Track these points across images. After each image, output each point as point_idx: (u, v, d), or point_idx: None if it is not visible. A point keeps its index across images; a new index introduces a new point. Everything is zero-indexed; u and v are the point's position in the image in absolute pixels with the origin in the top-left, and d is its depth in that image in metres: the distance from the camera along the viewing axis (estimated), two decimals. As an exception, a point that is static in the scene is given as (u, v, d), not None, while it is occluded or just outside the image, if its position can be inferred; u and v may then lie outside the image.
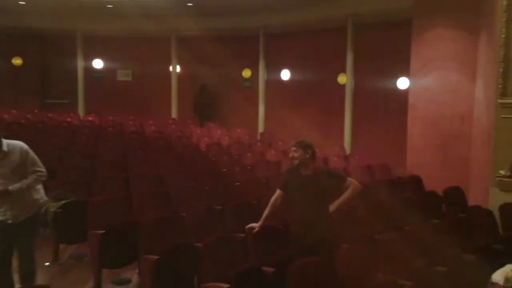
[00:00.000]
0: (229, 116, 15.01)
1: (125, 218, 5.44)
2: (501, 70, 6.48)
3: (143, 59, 15.19)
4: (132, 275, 5.19)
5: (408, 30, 8.79)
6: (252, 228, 4.47)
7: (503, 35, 6.43)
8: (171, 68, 14.32)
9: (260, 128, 13.07)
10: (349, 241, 4.49)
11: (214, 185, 6.86)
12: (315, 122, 12.88)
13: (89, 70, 15.27)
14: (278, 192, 4.50)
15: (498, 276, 3.11)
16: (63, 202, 5.56)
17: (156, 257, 4.17)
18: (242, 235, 4.66)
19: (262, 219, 4.47)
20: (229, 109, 15.21)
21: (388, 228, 5.26)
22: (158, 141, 10.69)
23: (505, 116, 6.47)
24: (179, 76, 14.45)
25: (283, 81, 13.67)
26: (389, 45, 10.84)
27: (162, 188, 6.69)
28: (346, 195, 4.36)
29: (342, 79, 11.86)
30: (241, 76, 14.49)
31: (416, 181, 7.69)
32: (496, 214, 5.90)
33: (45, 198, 4.53)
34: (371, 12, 10.62)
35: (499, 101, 6.52)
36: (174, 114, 14.20)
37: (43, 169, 4.30)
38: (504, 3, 6.40)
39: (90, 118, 13.63)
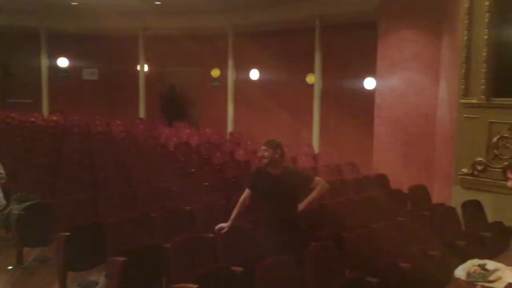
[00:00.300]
0: (198, 116, 14.95)
1: (91, 220, 5.34)
2: (463, 71, 6.68)
3: (110, 57, 14.95)
4: (99, 277, 5.10)
5: (374, 32, 8.95)
6: (221, 229, 4.47)
7: (465, 38, 6.63)
8: (138, 67, 14.14)
9: (230, 127, 13.06)
10: (318, 240, 4.54)
11: (183, 185, 6.81)
12: (284, 121, 13.00)
13: (54, 68, 14.90)
14: (247, 191, 4.51)
15: (460, 271, 3.21)
16: (26, 204, 5.42)
17: (124, 258, 4.11)
18: (211, 235, 4.65)
19: (231, 219, 4.47)
20: (198, 108, 15.15)
21: (355, 226, 5.34)
22: (125, 141, 10.53)
23: (467, 116, 6.67)
24: (147, 75, 14.28)
25: (252, 81, 13.71)
26: (356, 46, 11.03)
27: (130, 188, 6.60)
28: (314, 194, 4.40)
29: (310, 79, 11.98)
30: (210, 75, 14.44)
31: (382, 180, 7.82)
32: (459, 211, 6.06)
33: (3, 201, 4.40)
34: (338, 14, 10.77)
35: (461, 101, 6.72)
36: (142, 114, 14.02)
37: (2, 171, 4.18)
38: (466, 6, 6.60)
39: (55, 118, 13.31)
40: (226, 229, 4.46)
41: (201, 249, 4.47)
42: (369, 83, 10.78)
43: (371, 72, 9.83)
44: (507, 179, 3.46)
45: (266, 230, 4.42)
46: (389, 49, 8.73)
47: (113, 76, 15.09)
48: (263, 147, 4.38)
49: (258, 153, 4.61)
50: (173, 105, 15.04)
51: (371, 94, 9.58)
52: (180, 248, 4.24)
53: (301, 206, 4.39)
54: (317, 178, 4.61)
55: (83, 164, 8.03)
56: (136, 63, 14.17)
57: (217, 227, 4.52)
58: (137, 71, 14.19)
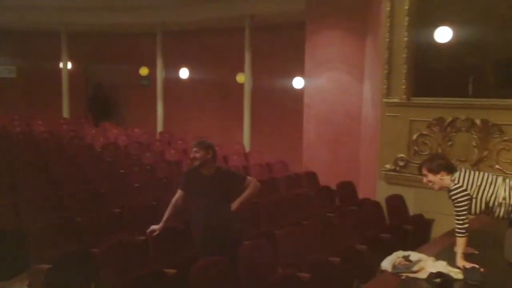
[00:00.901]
0: (127, 116, 14.53)
1: (11, 226, 5.03)
2: (385, 72, 7.00)
3: (30, 54, 14.15)
4: (22, 286, 4.82)
5: (302, 32, 9.15)
6: (153, 231, 4.37)
7: (387, 40, 6.95)
8: (61, 65, 13.49)
9: (159, 127, 12.81)
10: (250, 238, 4.57)
11: (111, 187, 6.60)
12: (215, 120, 12.95)
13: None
14: (179, 192, 4.45)
15: (386, 263, 3.36)
16: None
17: (48, 266, 3.91)
18: (143, 238, 4.54)
19: (163, 221, 4.39)
20: (126, 108, 14.71)
21: (287, 223, 5.44)
22: (48, 142, 10.03)
23: (389, 114, 7.00)
24: (71, 73, 13.66)
25: (182, 80, 13.53)
26: (285, 46, 11.22)
27: (54, 192, 6.29)
28: (246, 193, 4.42)
29: (240, 78, 12.03)
30: (139, 74, 14.09)
31: (311, 177, 8.03)
32: (383, 205, 6.35)
33: None
34: (267, 14, 10.89)
35: (384, 100, 7.04)
36: (65, 114, 13.39)
37: None
38: (387, 9, 6.92)
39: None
40: (158, 231, 4.37)
41: (132, 253, 4.35)
42: (298, 82, 11.00)
43: (300, 72, 10.05)
44: (422, 175, 3.67)
45: (199, 231, 4.38)
46: (316, 49, 8.96)
47: (33, 74, 14.28)
48: (195, 149, 4.34)
49: (190, 155, 4.58)
50: (99, 104, 14.50)
51: (300, 93, 9.79)
52: (110, 252, 4.10)
53: (234, 205, 4.39)
54: (249, 177, 4.65)
55: (1, 168, 7.55)
56: (59, 60, 13.52)
57: (149, 229, 4.41)
58: (59, 69, 13.54)
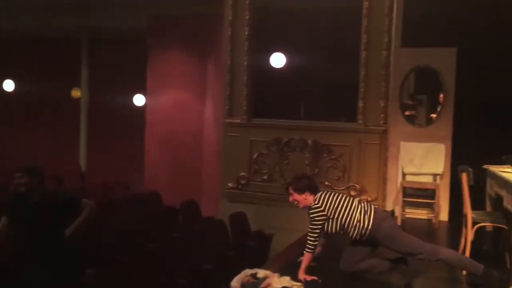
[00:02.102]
0: None
1: None
2: (227, 93, 7.26)
3: None
4: None
5: (145, 48, 9.01)
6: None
7: (229, 62, 7.23)
8: None
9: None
10: (93, 265, 4.27)
11: None
12: (47, 138, 11.89)
13: None
14: (3, 220, 3.97)
15: (235, 282, 3.43)
16: None
17: None
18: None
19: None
20: None
21: (130, 247, 5.21)
22: None
23: (231, 134, 7.24)
24: None
25: (6, 92, 12.17)
26: (126, 62, 10.86)
27: None
28: (81, 218, 4.10)
29: (76, 93, 11.32)
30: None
31: (155, 197, 7.86)
32: (227, 223, 6.50)
33: None
34: (107, 28, 10.46)
35: (226, 121, 7.27)
36: None
37: None
38: (229, 33, 7.21)
39: None
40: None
41: None
42: (139, 99, 10.75)
43: (141, 89, 9.84)
44: (288, 194, 3.86)
45: (31, 262, 3.95)
46: (158, 67, 8.91)
47: None
48: (18, 174, 3.90)
49: (13, 180, 4.08)
50: None
51: (142, 110, 9.58)
52: None
53: (69, 231, 4.06)
54: (84, 200, 4.33)
55: None
56: None
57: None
58: None
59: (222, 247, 5.57)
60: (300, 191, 3.80)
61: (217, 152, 7.70)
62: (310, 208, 3.77)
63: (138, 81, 9.60)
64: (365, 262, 3.86)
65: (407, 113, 6.68)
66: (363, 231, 3.74)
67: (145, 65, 8.97)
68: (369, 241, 3.80)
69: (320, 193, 3.83)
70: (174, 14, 8.72)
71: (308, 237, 3.74)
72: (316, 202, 3.76)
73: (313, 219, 3.73)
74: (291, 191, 3.85)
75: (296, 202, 3.85)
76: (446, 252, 3.73)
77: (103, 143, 11.18)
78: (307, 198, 3.79)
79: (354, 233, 3.77)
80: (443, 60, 6.26)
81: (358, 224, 3.73)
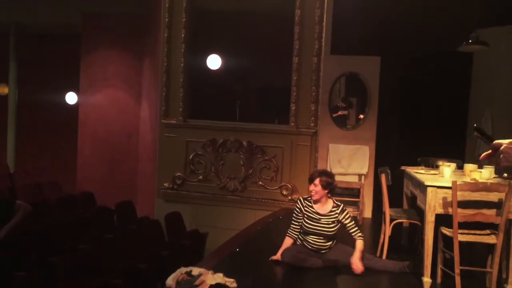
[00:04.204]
0: None
1: None
2: (163, 94, 7.32)
3: None
4: None
5: (78, 45, 8.84)
6: None
7: (165, 63, 7.29)
8: None
9: None
10: (24, 268, 4.23)
11: None
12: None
13: None
14: None
15: (170, 280, 3.55)
16: None
17: None
18: None
19: None
20: None
21: (63, 248, 5.17)
22: None
23: (167, 134, 7.33)
24: None
25: None
26: (58, 59, 10.58)
27: None
28: (14, 219, 4.11)
29: (3, 89, 10.86)
30: None
31: (88, 198, 7.76)
32: (162, 223, 6.56)
33: None
34: (38, 23, 10.14)
35: (162, 121, 7.33)
36: None
37: None
38: (166, 35, 7.27)
39: None
40: None
41: None
42: (72, 98, 10.51)
43: (74, 87, 9.64)
44: (312, 183, 4.18)
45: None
46: (92, 65, 8.78)
47: None
48: None
49: None
50: None
51: (75, 109, 9.39)
52: None
53: (1, 233, 4.02)
54: (18, 201, 4.32)
55: None
56: None
57: None
58: None
59: (158, 247, 5.65)
60: (325, 187, 4.14)
61: (153, 152, 7.73)
62: (342, 208, 4.20)
63: (71, 79, 9.40)
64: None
65: (340, 113, 7.02)
66: None
67: (79, 63, 8.80)
68: None
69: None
70: (110, 13, 8.63)
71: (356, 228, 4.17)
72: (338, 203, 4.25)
73: (349, 216, 4.20)
74: (317, 182, 4.11)
75: (314, 192, 4.17)
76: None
77: (33, 143, 10.82)
78: (323, 195, 4.16)
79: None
80: (369, 68, 6.68)
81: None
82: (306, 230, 4.18)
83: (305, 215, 4.20)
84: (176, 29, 7.23)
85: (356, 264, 3.99)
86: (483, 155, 1.48)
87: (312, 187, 4.19)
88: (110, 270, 4.73)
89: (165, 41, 7.26)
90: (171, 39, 7.26)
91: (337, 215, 4.18)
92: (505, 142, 1.41)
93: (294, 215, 4.27)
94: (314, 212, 4.19)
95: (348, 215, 4.21)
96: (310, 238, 4.20)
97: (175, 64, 7.26)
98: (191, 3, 7.21)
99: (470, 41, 5.46)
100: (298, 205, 4.26)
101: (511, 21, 5.85)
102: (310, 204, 4.22)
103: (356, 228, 4.19)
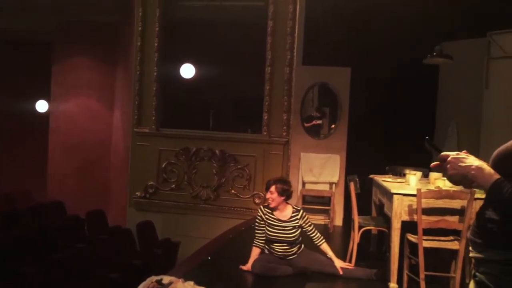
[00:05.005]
0: None
1: None
2: (136, 103, 7.31)
3: None
4: None
5: (49, 53, 8.76)
6: None
7: (138, 72, 7.29)
8: None
9: None
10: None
11: None
12: None
13: None
14: None
15: (140, 289, 3.55)
16: None
17: None
18: None
19: None
20: None
21: (33, 259, 5.12)
22: None
23: (140, 143, 7.31)
24: None
25: None
26: (28, 66, 10.44)
27: None
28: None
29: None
30: None
31: (58, 207, 7.68)
32: (134, 232, 6.54)
33: None
34: (8, 30, 9.99)
35: (135, 130, 7.31)
36: None
37: None
38: (138, 43, 7.27)
39: None
40: None
41: None
42: (42, 106, 10.36)
43: (45, 95, 9.52)
44: (268, 191, 4.28)
45: None
46: (64, 73, 8.71)
47: None
48: None
49: None
50: None
51: (45, 117, 9.27)
52: None
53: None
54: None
55: None
56: None
57: None
58: None
59: (129, 256, 5.64)
60: (282, 194, 4.24)
61: (125, 161, 7.70)
62: (302, 214, 4.28)
63: (41, 87, 9.29)
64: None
65: (314, 122, 7.13)
66: None
67: (50, 71, 8.71)
68: None
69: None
70: (82, 21, 8.59)
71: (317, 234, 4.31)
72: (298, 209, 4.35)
73: (309, 222, 4.30)
74: (272, 189, 4.19)
75: (271, 200, 4.25)
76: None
77: (3, 151, 10.62)
78: (280, 201, 4.25)
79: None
80: (339, 78, 6.84)
81: None
82: (270, 238, 4.27)
83: (267, 223, 4.28)
84: (149, 38, 7.24)
85: (340, 267, 4.23)
86: (432, 164, 1.70)
87: (268, 195, 4.29)
88: (82, 280, 4.70)
89: (138, 50, 7.27)
90: (144, 47, 7.27)
91: (298, 220, 4.27)
92: (451, 154, 1.60)
93: (256, 223, 4.34)
94: (275, 219, 4.28)
95: (308, 220, 4.32)
96: (275, 246, 4.28)
97: (148, 73, 7.27)
98: (164, 12, 7.24)
99: (434, 53, 5.64)
100: (259, 214, 4.33)
101: (478, 34, 6.04)
102: (271, 212, 4.30)
103: (317, 232, 4.33)
